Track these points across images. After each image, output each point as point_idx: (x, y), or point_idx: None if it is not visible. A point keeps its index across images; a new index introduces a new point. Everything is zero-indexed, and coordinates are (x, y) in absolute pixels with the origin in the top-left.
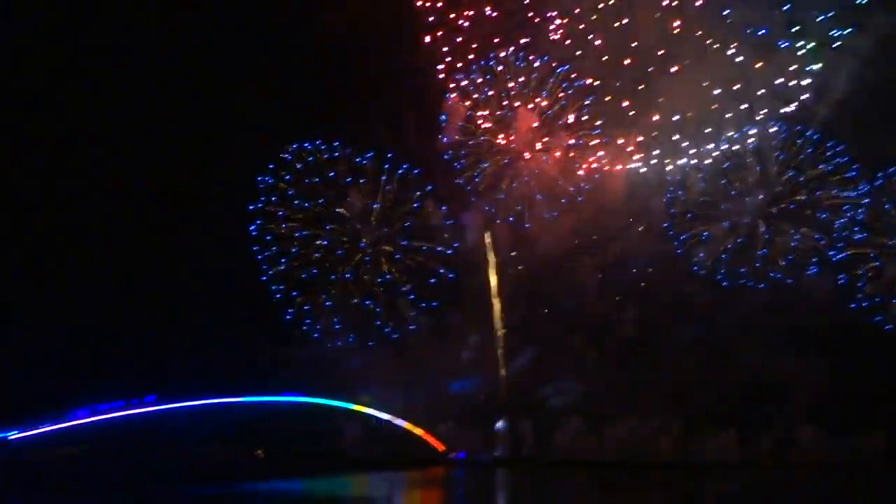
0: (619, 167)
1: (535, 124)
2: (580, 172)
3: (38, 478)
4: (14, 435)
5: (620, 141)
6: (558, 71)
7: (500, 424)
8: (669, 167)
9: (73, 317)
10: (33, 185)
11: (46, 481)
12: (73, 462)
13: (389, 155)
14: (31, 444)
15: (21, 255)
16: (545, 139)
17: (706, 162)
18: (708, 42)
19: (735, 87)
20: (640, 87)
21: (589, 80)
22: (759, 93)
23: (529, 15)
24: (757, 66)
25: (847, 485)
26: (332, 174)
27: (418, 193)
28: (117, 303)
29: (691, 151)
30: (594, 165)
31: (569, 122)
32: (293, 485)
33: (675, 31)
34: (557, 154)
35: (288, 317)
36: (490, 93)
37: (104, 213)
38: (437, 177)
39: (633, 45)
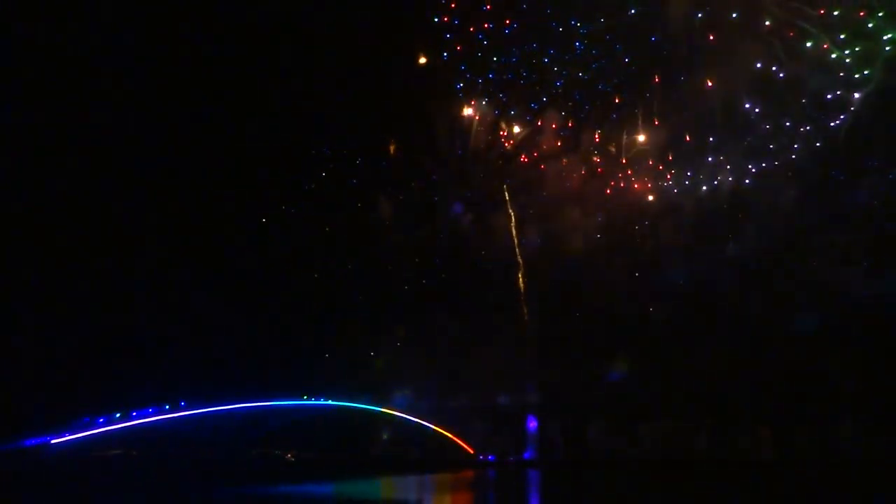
0: (648, 185)
1: (559, 143)
2: (608, 191)
3: (78, 480)
4: (55, 439)
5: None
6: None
7: (530, 426)
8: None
9: (93, 323)
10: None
11: (85, 484)
12: (110, 465)
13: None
14: (71, 448)
15: (41, 259)
16: (570, 154)
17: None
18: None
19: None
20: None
21: (616, 99)
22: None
23: (553, 25)
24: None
25: (882, 482)
26: (353, 181)
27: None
28: (139, 308)
29: (727, 167)
30: (622, 185)
31: (595, 139)
32: (324, 487)
33: (710, 41)
34: (583, 171)
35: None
36: (512, 112)
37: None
38: (467, 184)
39: (663, 53)
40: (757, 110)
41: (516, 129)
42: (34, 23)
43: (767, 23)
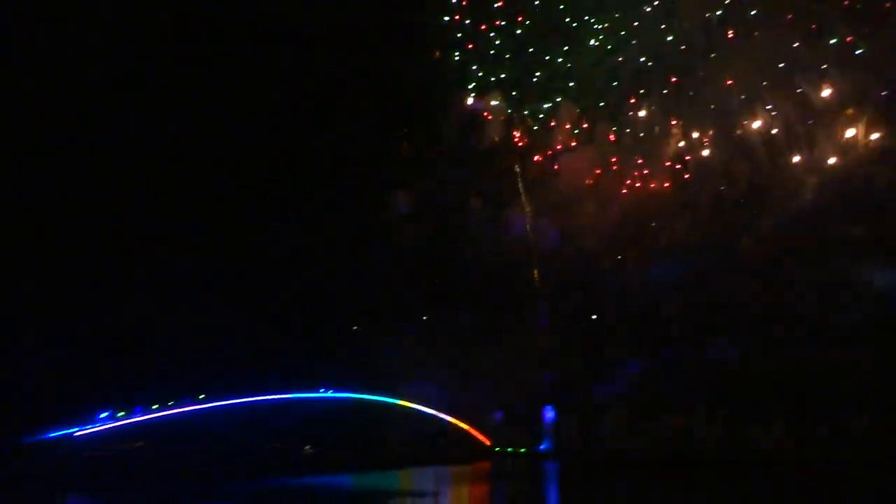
0: (663, 181)
1: (573, 140)
2: (623, 188)
3: (100, 472)
4: (77, 432)
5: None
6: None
7: (547, 418)
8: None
9: (113, 320)
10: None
11: (107, 475)
12: (130, 457)
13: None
14: (93, 441)
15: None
16: (584, 151)
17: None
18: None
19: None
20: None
21: (632, 98)
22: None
23: (566, 21)
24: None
25: None
26: (373, 178)
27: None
28: (157, 303)
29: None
30: (638, 183)
31: (610, 136)
32: (341, 480)
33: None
34: (598, 168)
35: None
36: (525, 111)
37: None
38: (482, 180)
39: (679, 48)
40: (777, 105)
41: (529, 126)
42: (33, 22)
43: (790, 15)
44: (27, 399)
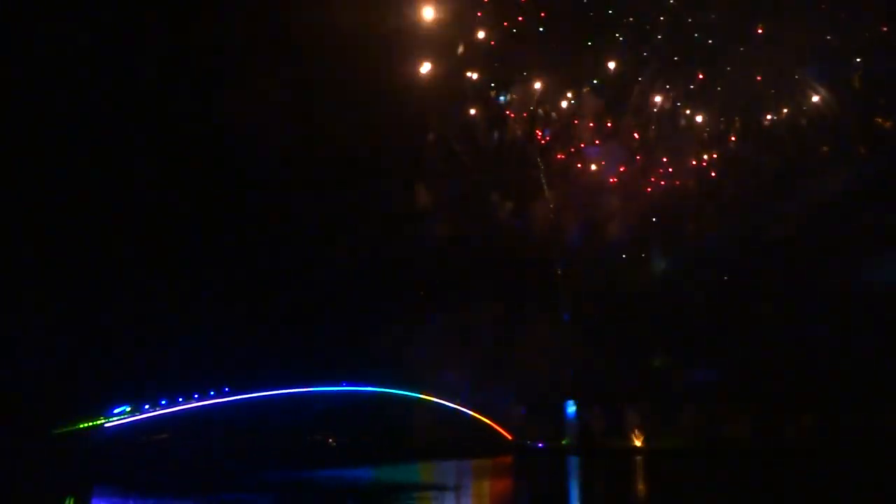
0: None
1: (597, 135)
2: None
3: (130, 461)
4: (108, 422)
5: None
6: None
7: (569, 412)
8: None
9: (139, 313)
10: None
11: (136, 464)
12: (158, 448)
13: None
14: (123, 431)
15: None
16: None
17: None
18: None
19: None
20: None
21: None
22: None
23: (589, 15)
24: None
25: None
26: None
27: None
28: (178, 298)
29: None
30: (662, 181)
31: (634, 132)
32: (363, 472)
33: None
34: (622, 169)
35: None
36: (546, 104)
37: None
38: (504, 175)
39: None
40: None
41: (552, 122)
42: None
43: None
44: (29, 398)
